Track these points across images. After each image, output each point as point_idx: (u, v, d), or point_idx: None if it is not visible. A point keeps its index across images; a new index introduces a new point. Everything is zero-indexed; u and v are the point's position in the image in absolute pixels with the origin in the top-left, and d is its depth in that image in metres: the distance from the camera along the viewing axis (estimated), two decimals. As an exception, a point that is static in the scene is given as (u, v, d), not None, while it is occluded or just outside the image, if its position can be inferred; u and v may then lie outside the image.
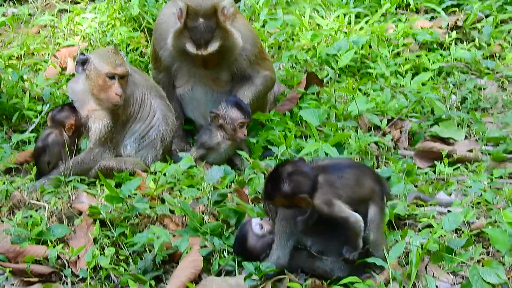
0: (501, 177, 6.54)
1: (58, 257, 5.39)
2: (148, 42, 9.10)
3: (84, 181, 6.42)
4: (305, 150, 6.68)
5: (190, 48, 6.99)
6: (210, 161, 6.91)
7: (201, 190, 5.96)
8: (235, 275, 5.20)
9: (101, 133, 6.64)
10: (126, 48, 9.14)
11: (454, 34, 9.10)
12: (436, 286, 4.66)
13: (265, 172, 6.38)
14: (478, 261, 5.26)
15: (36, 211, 5.85)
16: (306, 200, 4.86)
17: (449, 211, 5.88)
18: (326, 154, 6.61)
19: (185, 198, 5.97)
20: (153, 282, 5.16)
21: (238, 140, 6.96)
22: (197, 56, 7.04)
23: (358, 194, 4.91)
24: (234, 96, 7.17)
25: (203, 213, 5.72)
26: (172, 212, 5.82)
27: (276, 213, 5.14)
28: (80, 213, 5.87)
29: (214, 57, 7.08)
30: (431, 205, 6.02)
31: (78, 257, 5.38)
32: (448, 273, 5.07)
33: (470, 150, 7.07)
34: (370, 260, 4.73)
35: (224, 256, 5.35)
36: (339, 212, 4.85)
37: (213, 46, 6.97)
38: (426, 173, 6.70)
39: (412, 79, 8.31)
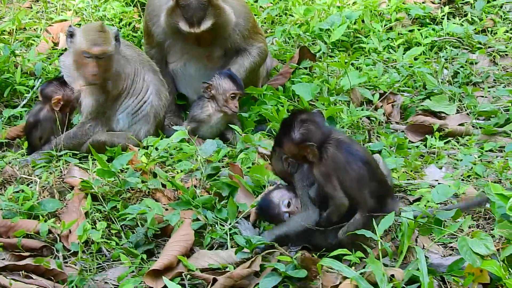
0: (491, 151, 6.57)
1: (50, 232, 5.36)
2: (141, 17, 9.06)
3: (76, 156, 6.39)
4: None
5: (183, 26, 6.95)
6: (201, 135, 6.89)
7: (195, 163, 5.96)
8: (227, 248, 5.20)
9: (92, 107, 6.61)
10: (119, 23, 9.09)
11: (446, 8, 9.09)
12: (426, 257, 4.64)
13: (258, 146, 6.38)
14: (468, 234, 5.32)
15: (28, 185, 5.84)
16: (313, 150, 4.84)
17: (439, 184, 5.88)
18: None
19: (177, 172, 5.96)
20: (144, 256, 5.14)
21: (229, 112, 6.93)
22: (190, 34, 7.01)
23: (352, 191, 4.86)
24: (229, 69, 7.14)
25: (195, 187, 5.71)
26: (164, 186, 5.81)
27: (291, 175, 5.13)
28: (72, 187, 5.85)
29: (207, 34, 7.04)
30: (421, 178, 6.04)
31: (70, 231, 5.36)
32: (438, 245, 5.09)
33: (461, 124, 7.08)
34: (359, 232, 4.72)
35: (216, 230, 5.34)
36: (330, 189, 4.83)
37: (206, 24, 6.93)
38: (417, 147, 6.70)
39: (404, 53, 8.31)
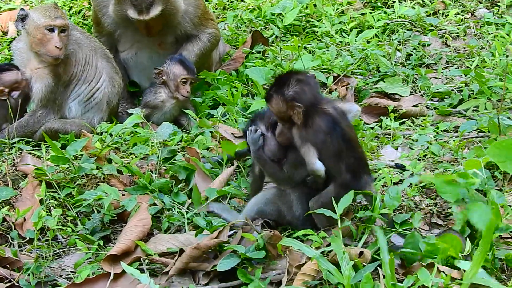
0: (446, 131, 6.60)
1: (4, 220, 5.28)
2: (90, 4, 8.93)
3: (29, 144, 6.29)
4: (253, 107, 6.66)
5: (132, 14, 6.86)
6: (155, 121, 6.79)
7: (151, 147, 5.90)
8: (185, 232, 5.15)
9: (43, 93, 6.50)
10: (69, 11, 8.97)
11: (398, -9, 9.11)
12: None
13: (212, 130, 6.34)
14: (427, 213, 5.34)
15: (-20, 174, 5.74)
16: (299, 113, 4.80)
17: (396, 164, 5.90)
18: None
19: (133, 158, 5.88)
20: (101, 242, 5.07)
21: (181, 98, 6.86)
22: (140, 22, 6.92)
23: (329, 163, 4.84)
24: (180, 54, 7.08)
25: (151, 172, 5.64)
26: (119, 172, 5.74)
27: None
28: (26, 175, 5.75)
29: (157, 22, 6.96)
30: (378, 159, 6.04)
31: (24, 219, 5.27)
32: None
33: (416, 105, 7.09)
34: (318, 211, 4.70)
35: (174, 214, 5.29)
36: (306, 154, 4.80)
37: (155, 11, 6.84)
38: (372, 128, 6.70)
39: (357, 36, 8.31)
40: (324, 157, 4.80)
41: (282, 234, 4.95)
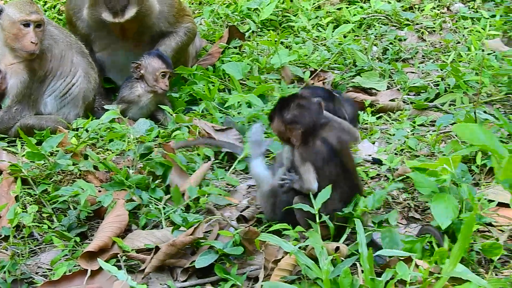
0: (423, 125, 6.61)
1: (-21, 217, 5.23)
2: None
3: (4, 140, 6.23)
4: (230, 101, 6.64)
5: (107, 17, 6.82)
6: (131, 116, 6.75)
7: (127, 143, 5.86)
8: (162, 228, 5.12)
9: (18, 89, 6.44)
10: (44, 6, 8.91)
11: (373, -14, 9.10)
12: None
13: (189, 126, 6.31)
14: (404, 207, 5.35)
15: (-46, 171, 5.68)
16: (297, 135, 4.84)
17: (373, 158, 5.90)
18: (250, 105, 6.58)
19: (109, 154, 5.84)
20: (78, 239, 5.02)
21: (160, 91, 6.82)
22: (115, 25, 6.88)
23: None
24: (157, 49, 7.05)
25: (128, 167, 5.60)
26: (96, 168, 5.69)
27: None
28: (1, 172, 5.70)
29: (131, 24, 6.93)
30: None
31: (0, 216, 5.22)
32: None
33: (393, 100, 7.09)
34: (296, 206, 4.69)
35: (151, 210, 5.25)
36: (305, 171, 4.81)
37: (130, 13, 6.80)
38: (349, 123, 6.69)
39: (333, 31, 8.31)
40: (320, 182, 4.81)
41: (259, 229, 4.95)
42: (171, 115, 6.53)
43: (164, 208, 5.27)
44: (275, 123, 4.98)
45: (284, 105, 4.95)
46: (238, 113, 6.60)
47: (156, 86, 6.81)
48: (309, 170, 4.80)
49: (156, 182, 5.48)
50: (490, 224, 4.96)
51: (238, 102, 6.68)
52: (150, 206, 5.30)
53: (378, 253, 4.41)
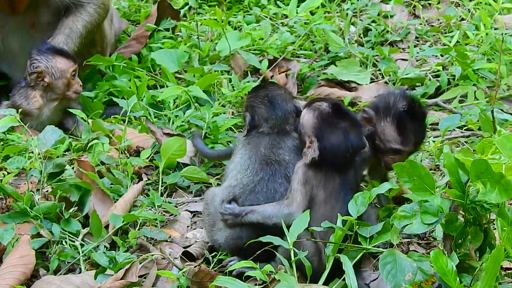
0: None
1: None
2: None
3: None
4: (163, 95, 6.62)
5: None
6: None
7: (30, 159, 5.88)
8: (80, 272, 5.14)
9: None
10: None
11: None
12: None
13: (110, 134, 6.32)
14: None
15: None
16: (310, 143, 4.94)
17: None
18: (196, 100, 6.63)
19: (5, 174, 5.86)
20: (-30, 288, 5.05)
21: (74, 96, 6.83)
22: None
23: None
24: (45, 42, 6.93)
25: (32, 192, 5.61)
26: (-12, 194, 5.71)
27: None
28: None
29: (21, -6, 6.95)
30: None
31: None
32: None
33: (379, 96, 7.18)
34: (263, 239, 4.75)
35: (65, 248, 5.27)
36: (295, 189, 4.91)
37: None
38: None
39: (298, 6, 8.36)
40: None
41: (212, 269, 5.00)
42: (85, 121, 6.54)
43: (82, 245, 5.29)
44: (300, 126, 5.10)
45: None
46: (176, 116, 6.63)
47: (70, 92, 6.78)
48: (302, 193, 4.89)
49: (71, 211, 5.49)
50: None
51: (174, 100, 6.72)
52: (64, 243, 5.31)
53: None
